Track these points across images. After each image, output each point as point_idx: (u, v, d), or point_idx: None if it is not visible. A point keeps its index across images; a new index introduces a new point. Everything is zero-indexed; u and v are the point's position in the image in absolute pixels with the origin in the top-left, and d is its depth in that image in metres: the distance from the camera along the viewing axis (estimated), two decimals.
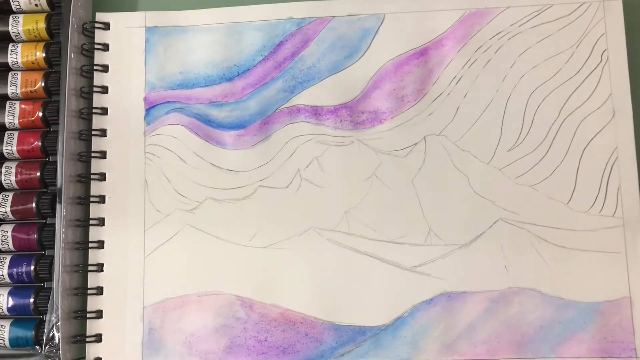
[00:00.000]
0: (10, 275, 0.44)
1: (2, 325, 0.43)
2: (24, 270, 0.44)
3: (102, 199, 0.46)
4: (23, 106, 0.46)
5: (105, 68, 0.47)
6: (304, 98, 0.46)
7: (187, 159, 0.46)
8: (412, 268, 0.43)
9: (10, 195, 0.45)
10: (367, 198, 0.44)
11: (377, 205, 0.44)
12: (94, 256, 0.45)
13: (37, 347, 0.43)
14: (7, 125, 0.46)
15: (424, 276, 0.43)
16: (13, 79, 0.46)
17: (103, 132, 0.46)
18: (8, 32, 0.46)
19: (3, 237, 0.44)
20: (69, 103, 0.45)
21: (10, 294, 0.44)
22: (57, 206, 0.44)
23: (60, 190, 0.44)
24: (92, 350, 0.44)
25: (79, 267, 0.45)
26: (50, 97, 0.46)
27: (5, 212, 0.45)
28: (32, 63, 0.46)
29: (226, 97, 0.46)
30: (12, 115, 0.46)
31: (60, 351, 0.42)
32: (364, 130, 0.45)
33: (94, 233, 0.45)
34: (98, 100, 0.47)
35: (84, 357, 0.44)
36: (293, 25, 0.47)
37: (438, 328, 0.43)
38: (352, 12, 0.46)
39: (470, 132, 0.45)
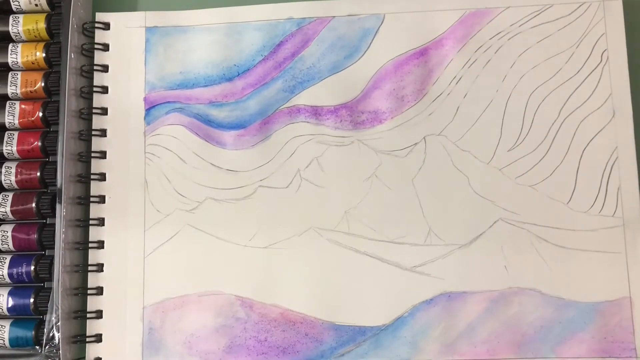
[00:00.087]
0: (10, 275, 0.44)
1: (2, 325, 0.43)
2: (24, 270, 0.44)
3: (102, 199, 0.46)
4: (23, 106, 0.46)
5: (105, 68, 0.47)
6: (304, 98, 0.46)
7: (187, 159, 0.46)
8: (412, 268, 0.43)
9: (10, 195, 0.45)
10: (367, 198, 0.44)
11: (377, 205, 0.44)
12: (94, 256, 0.45)
13: (37, 347, 0.43)
14: (7, 125, 0.46)
15: (424, 276, 0.43)
16: (13, 79, 0.46)
17: (103, 132, 0.46)
18: (8, 32, 0.46)
19: (3, 237, 0.44)
20: (69, 103, 0.45)
21: (10, 294, 0.44)
22: (57, 206, 0.44)
23: (60, 190, 0.44)
24: (92, 350, 0.44)
25: (79, 267, 0.45)
26: (50, 97, 0.46)
27: (5, 212, 0.45)
28: (32, 63, 0.46)
29: (226, 97, 0.46)
30: (12, 115, 0.46)
31: (60, 351, 0.42)
32: (364, 130, 0.45)
33: (94, 233, 0.45)
34: (98, 100, 0.47)
35: (84, 357, 0.44)
36: (293, 25, 0.47)
37: (438, 328, 0.43)
38: (352, 12, 0.46)
39: (470, 132, 0.45)
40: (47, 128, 0.46)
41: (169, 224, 0.45)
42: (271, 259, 0.44)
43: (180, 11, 0.47)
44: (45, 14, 0.47)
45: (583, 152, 0.44)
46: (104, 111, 0.47)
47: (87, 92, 0.47)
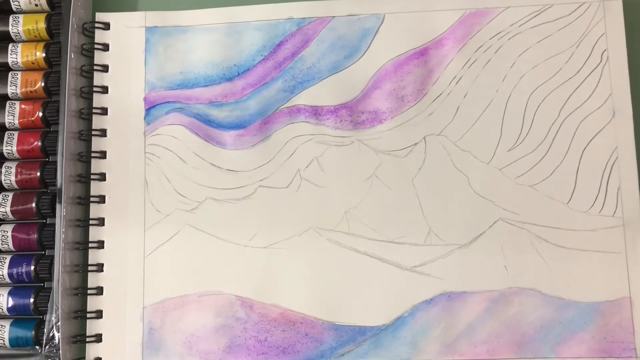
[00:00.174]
0: (10, 275, 0.44)
1: (2, 325, 0.43)
2: (24, 270, 0.44)
3: (102, 199, 0.46)
4: (23, 106, 0.46)
5: (105, 68, 0.47)
6: (304, 98, 0.46)
7: (187, 159, 0.46)
8: (412, 268, 0.43)
9: (10, 195, 0.45)
10: (367, 198, 0.44)
11: (377, 205, 0.44)
12: (94, 256, 0.45)
13: (37, 347, 0.43)
14: (7, 125, 0.46)
15: (424, 276, 0.43)
16: (13, 79, 0.46)
17: (103, 132, 0.46)
18: (8, 32, 0.46)
19: (3, 237, 0.44)
20: (69, 103, 0.45)
21: (10, 294, 0.44)
22: (57, 206, 0.44)
23: (60, 190, 0.44)
24: (92, 350, 0.44)
25: (79, 267, 0.45)
26: (50, 97, 0.46)
27: (5, 212, 0.45)
28: (32, 63, 0.46)
29: (226, 97, 0.46)
30: (12, 115, 0.46)
31: (60, 351, 0.42)
32: (364, 130, 0.45)
33: (94, 233, 0.45)
34: (98, 100, 0.47)
35: (84, 357, 0.44)
36: (293, 25, 0.47)
37: (438, 328, 0.43)
38: (352, 12, 0.46)
39: (470, 132, 0.45)
40: (47, 128, 0.46)
41: (169, 224, 0.45)
42: (271, 259, 0.44)
43: (180, 11, 0.47)
44: (45, 14, 0.47)
45: (583, 152, 0.44)
46: (104, 111, 0.47)
47: (87, 92, 0.47)
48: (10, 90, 0.46)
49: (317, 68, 0.46)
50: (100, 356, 0.44)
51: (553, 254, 0.43)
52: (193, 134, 0.46)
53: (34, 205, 0.45)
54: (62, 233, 0.43)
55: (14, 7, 0.47)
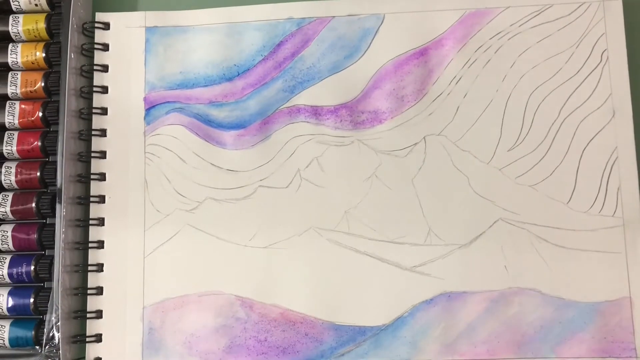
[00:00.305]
0: (10, 275, 0.44)
1: (2, 325, 0.43)
2: (24, 270, 0.44)
3: (102, 199, 0.46)
4: (23, 106, 0.46)
5: (105, 68, 0.47)
6: (304, 98, 0.46)
7: (187, 159, 0.46)
8: (412, 268, 0.43)
9: (10, 195, 0.45)
10: (367, 198, 0.44)
11: (377, 205, 0.44)
12: (94, 256, 0.45)
13: (37, 347, 0.43)
14: (7, 125, 0.46)
15: (423, 276, 0.43)
16: (13, 79, 0.46)
17: (103, 132, 0.46)
18: (8, 32, 0.46)
19: (3, 237, 0.44)
20: (69, 103, 0.45)
21: (10, 294, 0.44)
22: (57, 206, 0.44)
23: (60, 190, 0.44)
24: (92, 350, 0.44)
25: (79, 267, 0.45)
26: (50, 97, 0.46)
27: (5, 212, 0.45)
28: (32, 63, 0.46)
29: (226, 97, 0.46)
30: (12, 115, 0.46)
31: (60, 351, 0.42)
32: (364, 130, 0.45)
33: (94, 233, 0.45)
34: (98, 100, 0.47)
35: (84, 357, 0.44)
36: (293, 25, 0.47)
37: (438, 328, 0.43)
38: (352, 12, 0.46)
39: (470, 132, 0.45)
40: (47, 128, 0.46)
41: (169, 224, 0.45)
42: (271, 259, 0.44)
43: (180, 11, 0.47)
44: (45, 14, 0.47)
45: (583, 152, 0.44)
46: (104, 111, 0.47)
47: (87, 92, 0.47)
48: (10, 90, 0.46)
49: (317, 68, 0.46)
50: (100, 356, 0.44)
51: (553, 254, 0.43)
52: (193, 134, 0.46)
53: (34, 205, 0.45)
54: (62, 233, 0.43)
55: (14, 7, 0.47)
